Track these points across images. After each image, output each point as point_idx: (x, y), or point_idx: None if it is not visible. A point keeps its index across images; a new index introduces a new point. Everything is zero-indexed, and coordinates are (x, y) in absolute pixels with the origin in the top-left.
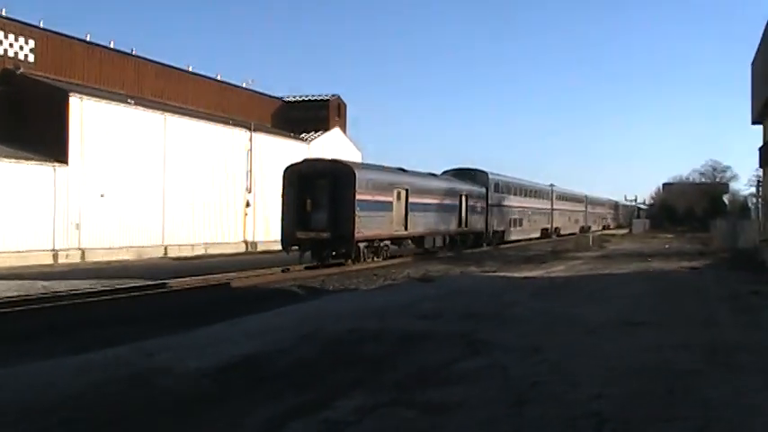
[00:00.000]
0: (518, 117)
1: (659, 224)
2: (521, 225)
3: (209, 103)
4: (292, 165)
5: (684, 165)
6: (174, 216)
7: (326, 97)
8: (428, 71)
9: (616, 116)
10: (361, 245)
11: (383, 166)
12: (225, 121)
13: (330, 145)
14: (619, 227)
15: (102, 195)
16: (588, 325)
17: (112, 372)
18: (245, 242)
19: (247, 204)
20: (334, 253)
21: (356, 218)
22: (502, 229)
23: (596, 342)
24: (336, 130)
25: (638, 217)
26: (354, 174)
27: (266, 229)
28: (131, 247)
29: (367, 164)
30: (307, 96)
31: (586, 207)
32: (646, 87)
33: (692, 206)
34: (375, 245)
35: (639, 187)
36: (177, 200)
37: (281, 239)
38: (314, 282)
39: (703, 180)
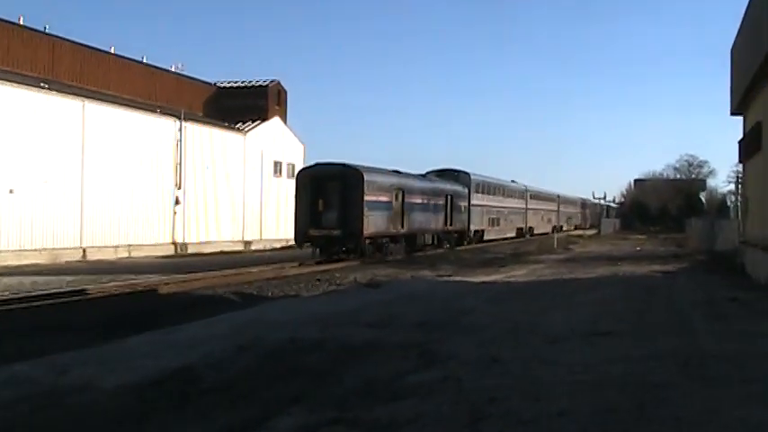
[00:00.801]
0: (479, 112)
1: (630, 224)
2: (498, 224)
3: (133, 88)
4: (305, 169)
5: (657, 159)
6: (93, 215)
7: (265, 83)
8: (383, 60)
9: (583, 108)
10: (367, 241)
11: (382, 169)
12: (152, 110)
13: (269, 136)
14: (588, 227)
15: (11, 191)
16: (551, 334)
17: (18, 391)
18: (174, 244)
19: (177, 202)
20: (344, 249)
21: (365, 217)
22: (482, 228)
23: (560, 353)
24: (276, 120)
25: (608, 216)
26: (363, 176)
27: (198, 229)
28: (45, 249)
29: (371, 167)
30: (243, 82)
31: (558, 207)
32: (615, 77)
33: (666, 204)
34: (378, 242)
35: (608, 184)
36: (97, 197)
37: (295, 236)
38: (250, 288)
39: (678, 176)
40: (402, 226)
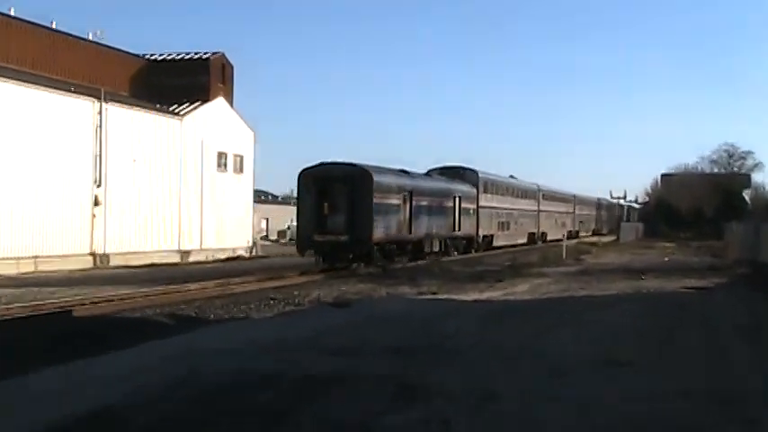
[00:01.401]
0: (475, 100)
1: (656, 229)
2: (508, 229)
3: (39, 60)
4: (308, 169)
5: (689, 150)
6: None
7: (206, 56)
8: (357, 36)
9: (595, 92)
10: (375, 248)
11: (390, 168)
12: (64, 88)
13: (211, 121)
14: (605, 232)
15: None
16: (557, 364)
17: None
18: (93, 255)
19: (96, 203)
20: (351, 255)
21: (374, 221)
22: (491, 233)
23: (568, 387)
24: (220, 102)
25: (628, 219)
26: (372, 177)
27: (123, 237)
28: None
29: (379, 166)
30: (179, 55)
31: (575, 208)
32: (636, 53)
33: (701, 205)
34: (386, 249)
35: (629, 180)
36: None
37: (297, 243)
38: (188, 309)
39: (715, 170)
40: (410, 231)
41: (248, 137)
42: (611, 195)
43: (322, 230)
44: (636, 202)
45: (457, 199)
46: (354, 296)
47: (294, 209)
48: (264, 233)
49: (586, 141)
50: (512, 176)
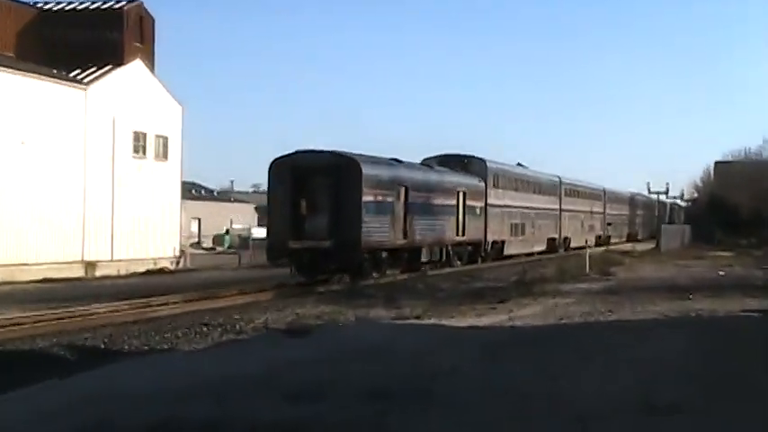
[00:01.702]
0: (470, 73)
1: (707, 233)
2: (523, 233)
3: None
4: (282, 158)
5: (751, 131)
6: None
7: (119, 5)
8: None
9: (627, 60)
10: (366, 256)
11: (380, 158)
12: None
13: (126, 91)
14: (641, 237)
15: None
16: (580, 411)
17: None
18: None
19: None
20: (334, 266)
21: (363, 223)
22: (501, 238)
23: None
24: (137, 66)
25: (671, 220)
26: (361, 169)
27: (7, 244)
28: None
29: (368, 156)
30: (83, 3)
31: (605, 207)
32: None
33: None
34: (376, 257)
35: (672, 170)
36: None
37: (268, 250)
38: (94, 338)
39: None
40: (405, 235)
41: (175, 113)
42: (648, 190)
43: (299, 235)
44: (681, 198)
45: (461, 195)
46: (314, 321)
47: (236, 206)
48: (196, 239)
49: (614, 121)
50: (519, 164)
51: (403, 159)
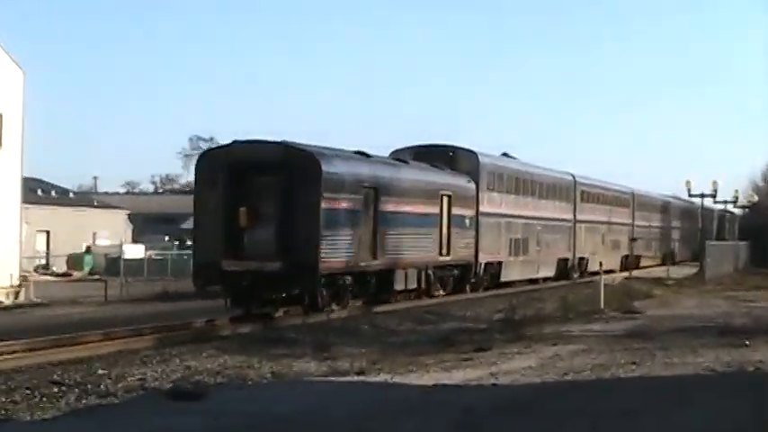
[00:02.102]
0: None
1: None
2: (525, 252)
3: None
4: (214, 150)
5: None
6: None
7: None
8: None
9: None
10: (324, 281)
11: (344, 151)
12: None
13: None
14: (678, 259)
15: None
16: None
17: None
18: None
19: None
20: (283, 295)
21: (322, 238)
22: (497, 259)
23: None
24: None
25: (720, 235)
26: (320, 166)
27: None
28: None
29: (327, 148)
30: None
31: (633, 215)
32: None
33: None
34: (338, 283)
35: (718, 169)
36: None
37: (194, 273)
38: None
39: None
40: (374, 255)
41: (13, 80)
42: (688, 191)
43: (236, 253)
44: (734, 203)
45: (445, 200)
46: (213, 379)
47: (101, 214)
48: (43, 260)
49: (637, 108)
50: (504, 154)
51: (369, 152)
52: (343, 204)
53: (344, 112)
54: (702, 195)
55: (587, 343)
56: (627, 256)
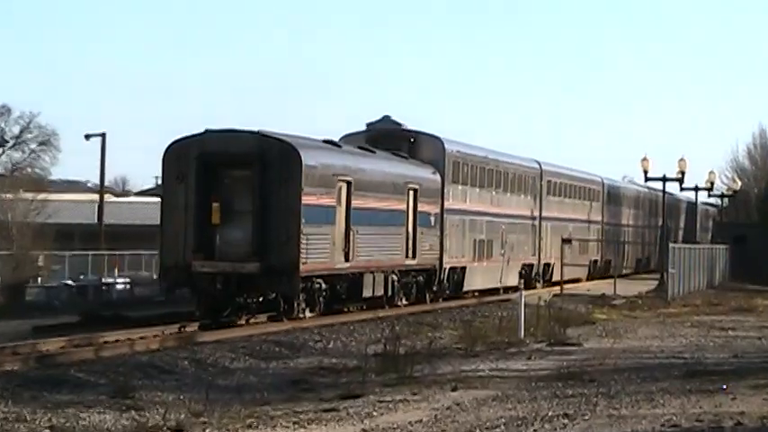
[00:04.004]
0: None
1: (752, 259)
2: (490, 255)
3: None
4: (182, 141)
5: None
6: None
7: None
8: None
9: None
10: (302, 285)
11: (315, 140)
12: None
13: None
14: (631, 266)
15: None
16: None
17: None
18: None
19: None
20: (260, 299)
21: (303, 236)
22: (461, 263)
23: None
24: None
25: (689, 236)
26: (300, 158)
27: None
28: None
29: (306, 138)
30: None
31: (603, 211)
32: None
33: None
34: (314, 287)
35: (680, 150)
36: None
37: (161, 275)
38: None
39: None
40: (347, 257)
41: None
42: (645, 175)
43: (208, 253)
44: (708, 191)
45: (411, 195)
46: None
47: None
48: None
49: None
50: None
51: (335, 140)
52: (322, 200)
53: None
54: (665, 179)
55: (500, 387)
56: (596, 261)
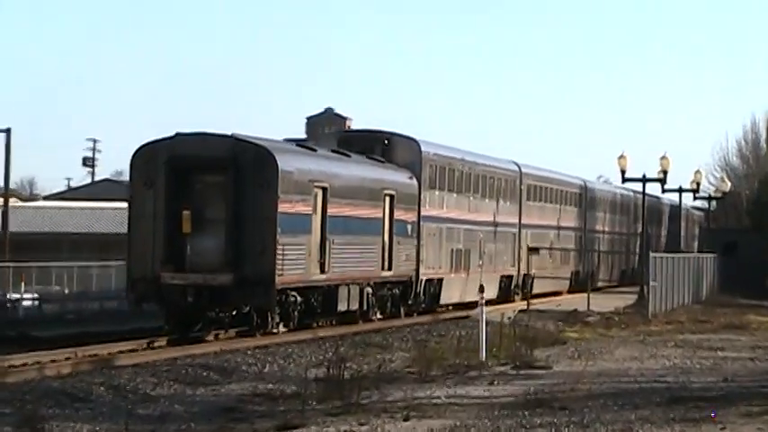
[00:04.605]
0: None
1: (759, 270)
2: (468, 267)
3: None
4: (153, 144)
5: None
6: None
7: None
8: None
9: None
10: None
11: (288, 143)
12: None
13: None
14: (613, 279)
15: None
16: None
17: None
18: None
19: None
20: (234, 312)
21: (279, 246)
22: (438, 275)
23: None
24: None
25: (672, 244)
26: (276, 163)
27: None
28: None
29: (281, 142)
30: None
31: (585, 216)
32: None
33: None
34: (289, 300)
35: (661, 149)
36: None
37: (128, 287)
38: None
39: None
40: (323, 268)
41: None
42: (622, 175)
43: (179, 264)
44: (693, 193)
45: (387, 201)
46: None
47: None
48: None
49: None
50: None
51: (309, 143)
52: (298, 207)
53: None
54: (645, 179)
55: (459, 417)
56: (577, 273)
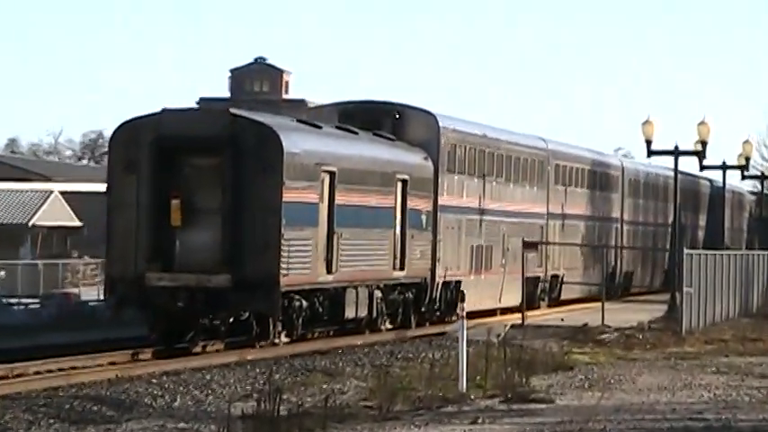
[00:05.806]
0: None
1: None
2: (490, 266)
3: None
4: (136, 121)
5: None
6: None
7: None
8: None
9: None
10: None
11: (289, 119)
12: None
13: None
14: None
15: None
16: None
17: None
18: None
19: None
20: (231, 319)
21: (284, 242)
22: (457, 276)
23: None
24: None
25: (713, 238)
26: (281, 143)
27: None
28: None
29: (282, 118)
30: None
31: (623, 204)
32: None
33: None
34: (294, 305)
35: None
36: None
37: (108, 289)
38: None
39: None
40: (329, 268)
41: None
42: (648, 148)
43: (166, 262)
44: (742, 170)
45: (400, 187)
46: None
47: None
48: None
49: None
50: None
51: (312, 121)
52: (305, 195)
53: None
54: (677, 152)
55: None
56: (613, 276)
